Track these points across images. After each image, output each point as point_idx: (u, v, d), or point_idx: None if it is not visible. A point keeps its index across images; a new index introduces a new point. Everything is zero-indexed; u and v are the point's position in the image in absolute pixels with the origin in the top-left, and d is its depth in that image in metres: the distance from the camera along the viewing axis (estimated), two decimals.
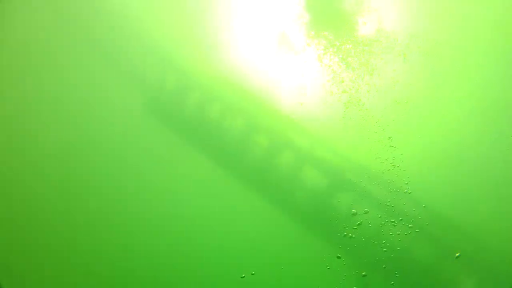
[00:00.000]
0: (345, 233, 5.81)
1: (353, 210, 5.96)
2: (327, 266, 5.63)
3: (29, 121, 7.19)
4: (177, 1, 8.16)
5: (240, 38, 7.52)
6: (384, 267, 5.63)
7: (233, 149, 6.97)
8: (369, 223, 5.85)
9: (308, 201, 6.52)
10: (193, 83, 7.36)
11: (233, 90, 7.12)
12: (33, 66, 7.56)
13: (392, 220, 5.82)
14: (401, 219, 5.81)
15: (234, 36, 7.55)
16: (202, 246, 6.10)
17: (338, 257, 5.63)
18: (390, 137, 6.33)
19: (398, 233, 5.76)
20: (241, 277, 5.60)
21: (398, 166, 6.12)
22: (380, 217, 5.85)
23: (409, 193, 5.95)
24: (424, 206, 5.87)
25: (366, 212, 5.91)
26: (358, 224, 5.85)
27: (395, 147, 6.26)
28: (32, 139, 7.12)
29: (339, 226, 5.90)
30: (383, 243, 5.72)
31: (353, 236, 5.80)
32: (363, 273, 5.56)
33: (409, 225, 5.79)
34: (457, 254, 5.66)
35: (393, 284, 5.53)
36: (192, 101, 7.31)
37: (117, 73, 7.53)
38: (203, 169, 6.73)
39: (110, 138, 7.09)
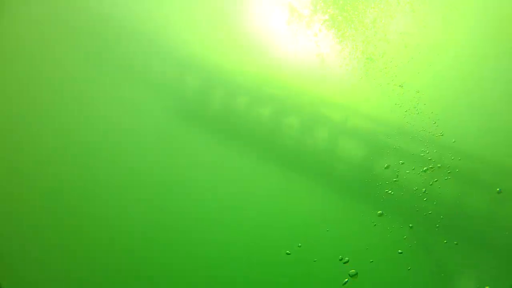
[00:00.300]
0: (387, 190, 5.98)
1: (386, 164, 6.13)
2: (373, 223, 5.80)
3: (67, 135, 7.35)
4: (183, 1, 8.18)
5: (251, 24, 7.55)
6: (429, 213, 5.76)
7: (265, 137, 7.16)
8: (405, 176, 6.01)
9: (346, 170, 6.75)
10: (215, 81, 7.48)
11: (255, 80, 7.24)
12: (60, 83, 7.66)
13: (427, 167, 5.95)
14: (439, 166, 5.93)
15: (246, 24, 7.58)
16: (256, 227, 6.31)
17: (380, 215, 5.77)
18: (416, 90, 6.39)
19: (435, 179, 5.88)
20: (298, 246, 5.79)
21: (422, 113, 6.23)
22: (415, 168, 5.98)
23: (441, 135, 6.08)
24: (453, 141, 6.00)
25: (402, 163, 6.06)
26: (395, 181, 6.01)
27: (419, 97, 6.34)
28: (70, 150, 7.24)
29: (378, 186, 6.06)
30: (423, 192, 5.86)
31: (392, 192, 5.96)
32: (410, 224, 5.70)
33: (448, 172, 5.90)
34: (498, 189, 5.77)
35: (437, 227, 5.67)
36: (216, 98, 7.47)
37: (141, 83, 7.71)
38: (239, 161, 6.94)
39: (147, 146, 7.25)
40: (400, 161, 6.08)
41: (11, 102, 7.48)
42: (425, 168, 5.92)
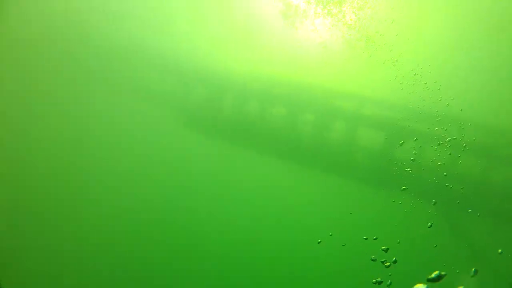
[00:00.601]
0: (407, 169, 5.93)
1: (401, 141, 6.12)
2: (399, 202, 5.73)
3: (87, 147, 7.50)
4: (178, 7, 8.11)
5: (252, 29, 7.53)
6: (451, 187, 5.72)
7: (281, 136, 7.20)
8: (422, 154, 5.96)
9: (364, 157, 6.77)
10: (223, 86, 7.52)
11: (264, 81, 7.28)
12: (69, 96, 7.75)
13: (442, 141, 5.86)
14: (454, 138, 5.84)
15: (247, 28, 7.55)
16: (285, 221, 6.51)
17: (404, 189, 5.69)
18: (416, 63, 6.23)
19: (449, 153, 5.83)
20: (330, 235, 5.80)
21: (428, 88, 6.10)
22: (431, 144, 5.93)
23: (447, 105, 5.94)
24: (460, 110, 5.86)
25: (415, 140, 6.02)
26: (413, 160, 5.94)
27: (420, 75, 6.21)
28: (90, 163, 7.35)
29: (398, 166, 6.05)
30: (440, 165, 5.80)
31: (411, 170, 5.90)
32: (433, 200, 5.61)
33: (463, 144, 5.84)
34: None
35: (459, 202, 5.63)
36: (227, 104, 7.49)
37: (149, 95, 7.84)
38: (257, 162, 7.03)
39: (161, 157, 7.34)
40: (414, 138, 6.08)
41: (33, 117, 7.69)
42: (439, 142, 5.89)
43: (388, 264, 4.96)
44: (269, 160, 7.04)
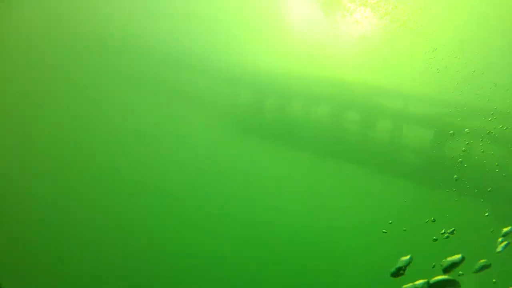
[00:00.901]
0: (460, 160, 5.77)
1: (451, 131, 5.95)
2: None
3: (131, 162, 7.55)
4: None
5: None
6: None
7: (326, 135, 7.12)
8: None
9: (412, 155, 6.62)
10: (266, 88, 7.49)
11: (306, 80, 7.18)
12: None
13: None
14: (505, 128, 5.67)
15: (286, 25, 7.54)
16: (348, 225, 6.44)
17: (456, 179, 5.58)
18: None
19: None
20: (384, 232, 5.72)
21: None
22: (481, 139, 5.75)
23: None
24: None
25: (468, 132, 5.82)
26: (464, 150, 5.77)
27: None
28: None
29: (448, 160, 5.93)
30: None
31: (463, 161, 5.76)
32: (489, 188, 5.49)
33: None
34: None
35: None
36: (269, 105, 7.48)
37: (194, 102, 7.91)
38: (303, 163, 6.97)
39: (209, 162, 7.39)
40: (466, 129, 5.86)
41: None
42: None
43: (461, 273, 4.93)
44: (315, 160, 7.00)
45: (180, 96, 7.89)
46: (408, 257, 4.58)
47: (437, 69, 6.07)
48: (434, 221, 5.18)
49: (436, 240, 4.95)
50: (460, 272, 4.57)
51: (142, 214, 6.91)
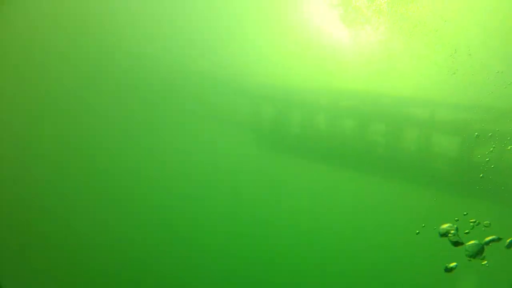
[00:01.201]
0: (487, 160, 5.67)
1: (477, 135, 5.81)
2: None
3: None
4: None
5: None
6: None
7: (352, 150, 7.08)
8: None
9: (442, 166, 6.45)
10: (291, 104, 7.52)
11: (329, 94, 7.20)
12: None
13: None
14: None
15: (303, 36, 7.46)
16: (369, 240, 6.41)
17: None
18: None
19: None
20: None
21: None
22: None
23: None
24: None
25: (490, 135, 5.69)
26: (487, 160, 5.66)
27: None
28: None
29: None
30: None
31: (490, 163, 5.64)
32: None
33: None
34: None
35: None
36: (294, 122, 7.48)
37: (217, 122, 7.88)
38: (331, 179, 6.92)
39: (235, 184, 7.38)
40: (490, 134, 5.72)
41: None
42: None
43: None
44: (342, 174, 6.93)
45: (204, 115, 7.97)
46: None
47: (454, 72, 6.08)
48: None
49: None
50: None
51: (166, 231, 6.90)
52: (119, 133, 7.77)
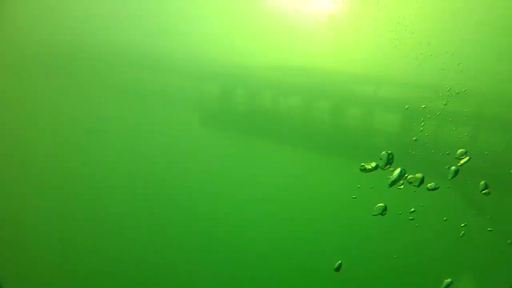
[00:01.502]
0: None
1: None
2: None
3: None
4: None
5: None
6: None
7: (297, 127, 7.01)
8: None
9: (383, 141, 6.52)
10: (235, 80, 7.34)
11: (276, 71, 7.01)
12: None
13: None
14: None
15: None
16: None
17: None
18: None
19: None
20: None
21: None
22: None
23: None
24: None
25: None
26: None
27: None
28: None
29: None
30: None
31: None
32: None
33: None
34: None
35: None
36: (239, 98, 7.34)
37: (159, 101, 7.72)
38: (275, 155, 6.88)
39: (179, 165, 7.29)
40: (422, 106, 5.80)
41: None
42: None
43: None
44: (287, 151, 6.90)
45: (145, 95, 7.75)
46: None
47: (395, 45, 5.95)
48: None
49: None
50: None
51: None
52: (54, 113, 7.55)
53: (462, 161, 5.43)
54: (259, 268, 6.35)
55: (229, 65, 7.14)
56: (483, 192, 5.35)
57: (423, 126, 5.73)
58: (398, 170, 5.69)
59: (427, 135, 5.82)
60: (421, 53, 5.85)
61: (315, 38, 6.73)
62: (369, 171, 5.83)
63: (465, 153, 5.43)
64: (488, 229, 5.25)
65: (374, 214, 5.74)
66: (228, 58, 7.16)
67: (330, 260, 5.94)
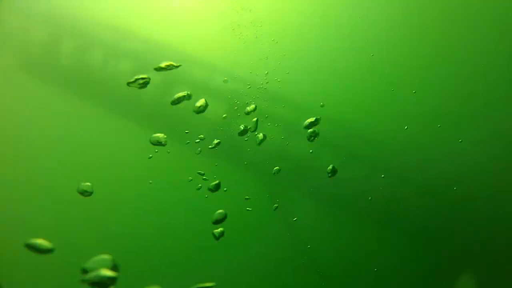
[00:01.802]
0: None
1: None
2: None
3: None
4: None
5: None
6: None
7: (124, 93, 6.73)
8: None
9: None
10: (64, 31, 6.86)
11: (110, 30, 6.73)
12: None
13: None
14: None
15: None
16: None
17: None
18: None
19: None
20: None
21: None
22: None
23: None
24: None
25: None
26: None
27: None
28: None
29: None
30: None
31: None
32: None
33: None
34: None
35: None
36: (66, 50, 6.84)
37: None
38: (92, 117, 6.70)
39: None
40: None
41: None
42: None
43: None
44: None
45: None
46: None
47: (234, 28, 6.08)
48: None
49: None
50: None
51: None
52: None
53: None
54: None
55: (58, 14, 6.59)
56: None
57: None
58: None
59: None
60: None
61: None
62: None
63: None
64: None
65: None
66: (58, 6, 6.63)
67: None
